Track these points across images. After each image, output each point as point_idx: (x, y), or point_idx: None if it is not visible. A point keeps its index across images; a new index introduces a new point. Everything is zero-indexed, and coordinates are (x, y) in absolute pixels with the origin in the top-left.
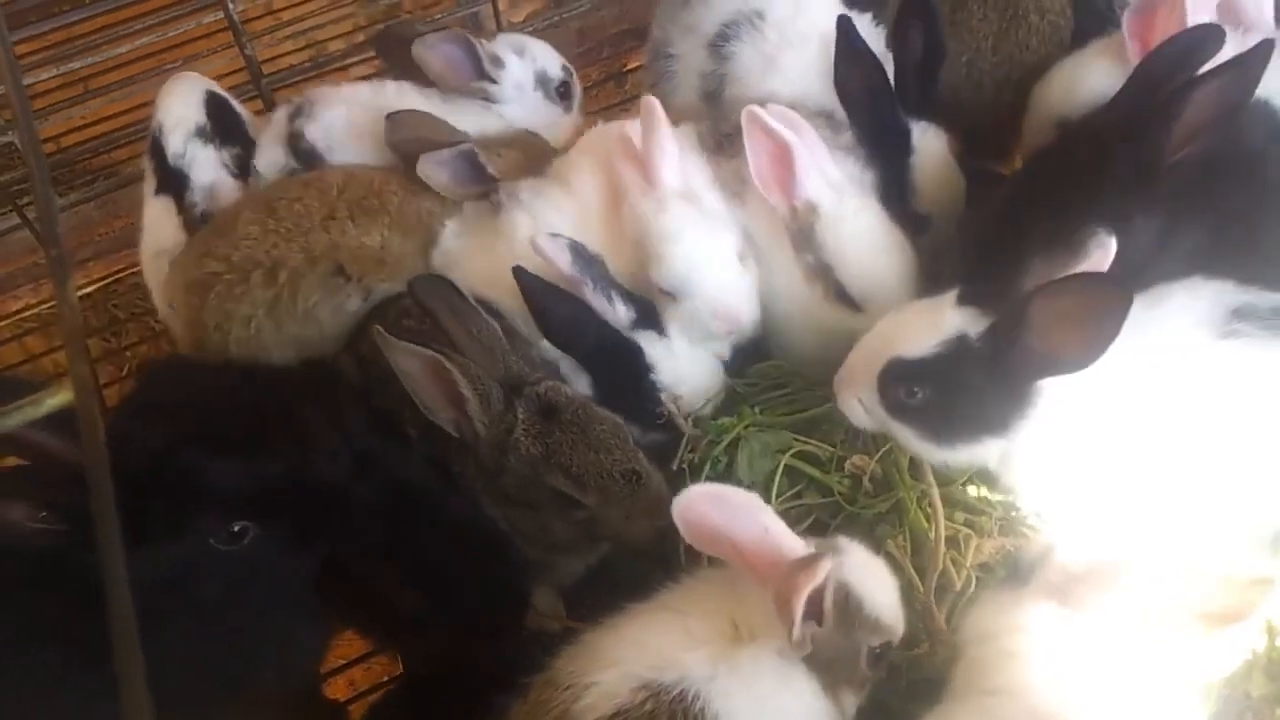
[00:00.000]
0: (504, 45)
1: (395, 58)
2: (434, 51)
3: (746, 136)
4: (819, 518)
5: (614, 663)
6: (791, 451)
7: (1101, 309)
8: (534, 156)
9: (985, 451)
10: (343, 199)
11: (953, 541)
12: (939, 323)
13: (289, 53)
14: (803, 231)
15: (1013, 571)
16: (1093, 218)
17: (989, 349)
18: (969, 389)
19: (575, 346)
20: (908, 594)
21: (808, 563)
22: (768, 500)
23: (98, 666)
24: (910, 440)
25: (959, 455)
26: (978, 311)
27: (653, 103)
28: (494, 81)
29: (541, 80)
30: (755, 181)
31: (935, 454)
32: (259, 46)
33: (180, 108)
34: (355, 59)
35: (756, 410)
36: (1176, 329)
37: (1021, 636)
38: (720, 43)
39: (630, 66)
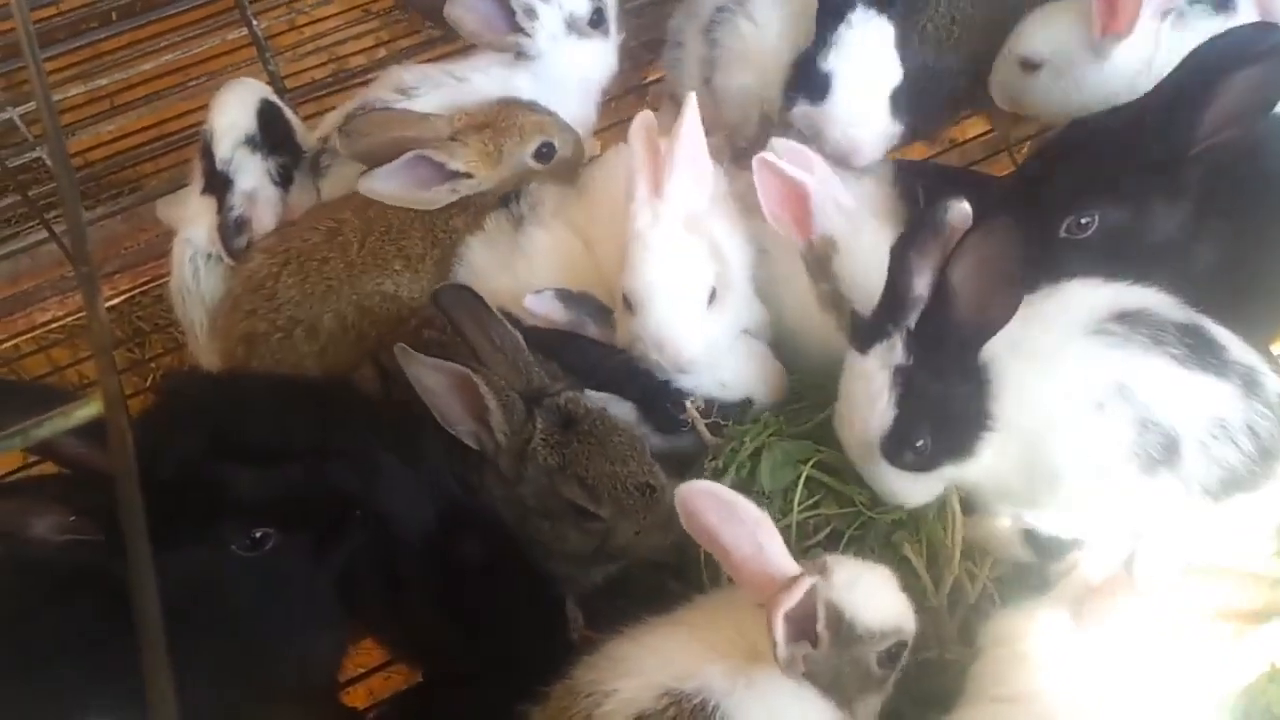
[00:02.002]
0: None
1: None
2: (467, 9)
3: (758, 180)
4: (836, 526)
5: (637, 671)
6: (813, 461)
7: (1002, 247)
8: (508, 132)
9: (991, 448)
10: (364, 252)
11: (968, 553)
12: (875, 388)
13: (312, 68)
14: (820, 262)
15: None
16: (1112, 194)
17: (919, 356)
18: (937, 402)
19: (604, 385)
20: (921, 599)
21: (785, 585)
22: (788, 509)
23: (126, 675)
24: (952, 477)
25: (982, 464)
26: (884, 344)
27: (691, 106)
28: (528, 35)
29: (571, 23)
30: (770, 221)
31: (972, 470)
32: (282, 62)
33: (233, 113)
34: (377, 73)
35: (780, 419)
36: (1058, 317)
37: (1035, 643)
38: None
39: (651, 79)
